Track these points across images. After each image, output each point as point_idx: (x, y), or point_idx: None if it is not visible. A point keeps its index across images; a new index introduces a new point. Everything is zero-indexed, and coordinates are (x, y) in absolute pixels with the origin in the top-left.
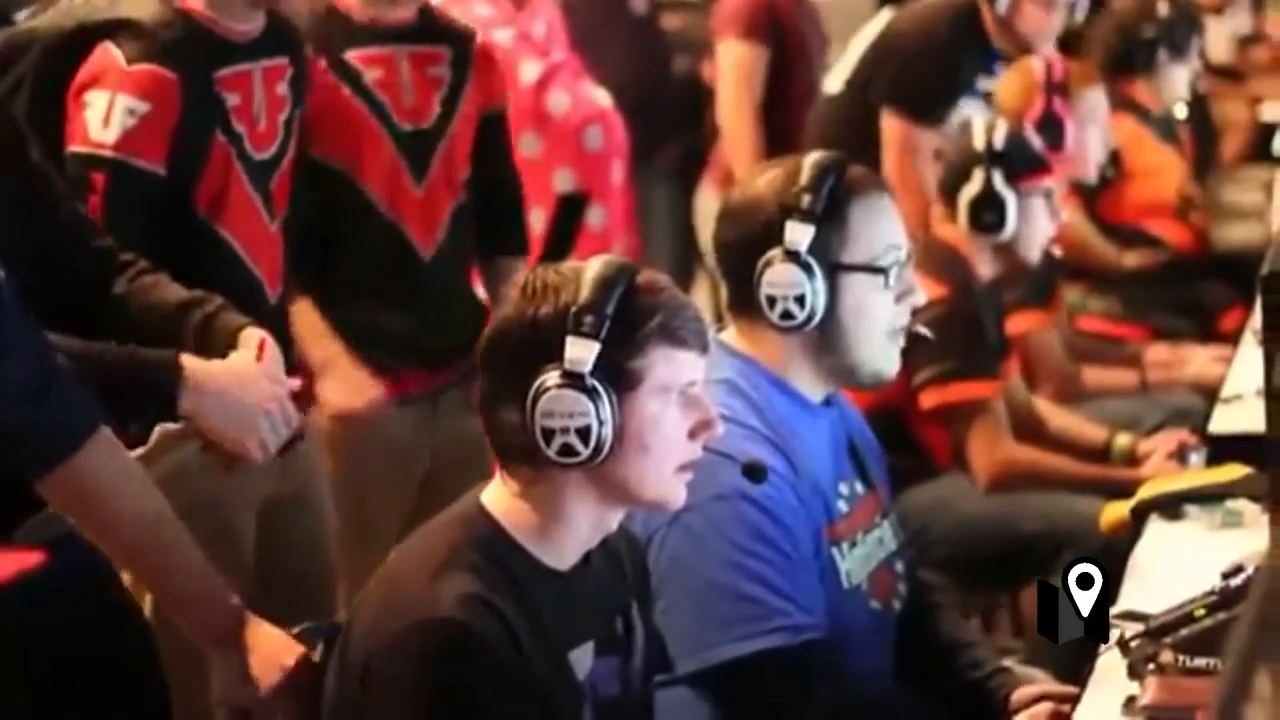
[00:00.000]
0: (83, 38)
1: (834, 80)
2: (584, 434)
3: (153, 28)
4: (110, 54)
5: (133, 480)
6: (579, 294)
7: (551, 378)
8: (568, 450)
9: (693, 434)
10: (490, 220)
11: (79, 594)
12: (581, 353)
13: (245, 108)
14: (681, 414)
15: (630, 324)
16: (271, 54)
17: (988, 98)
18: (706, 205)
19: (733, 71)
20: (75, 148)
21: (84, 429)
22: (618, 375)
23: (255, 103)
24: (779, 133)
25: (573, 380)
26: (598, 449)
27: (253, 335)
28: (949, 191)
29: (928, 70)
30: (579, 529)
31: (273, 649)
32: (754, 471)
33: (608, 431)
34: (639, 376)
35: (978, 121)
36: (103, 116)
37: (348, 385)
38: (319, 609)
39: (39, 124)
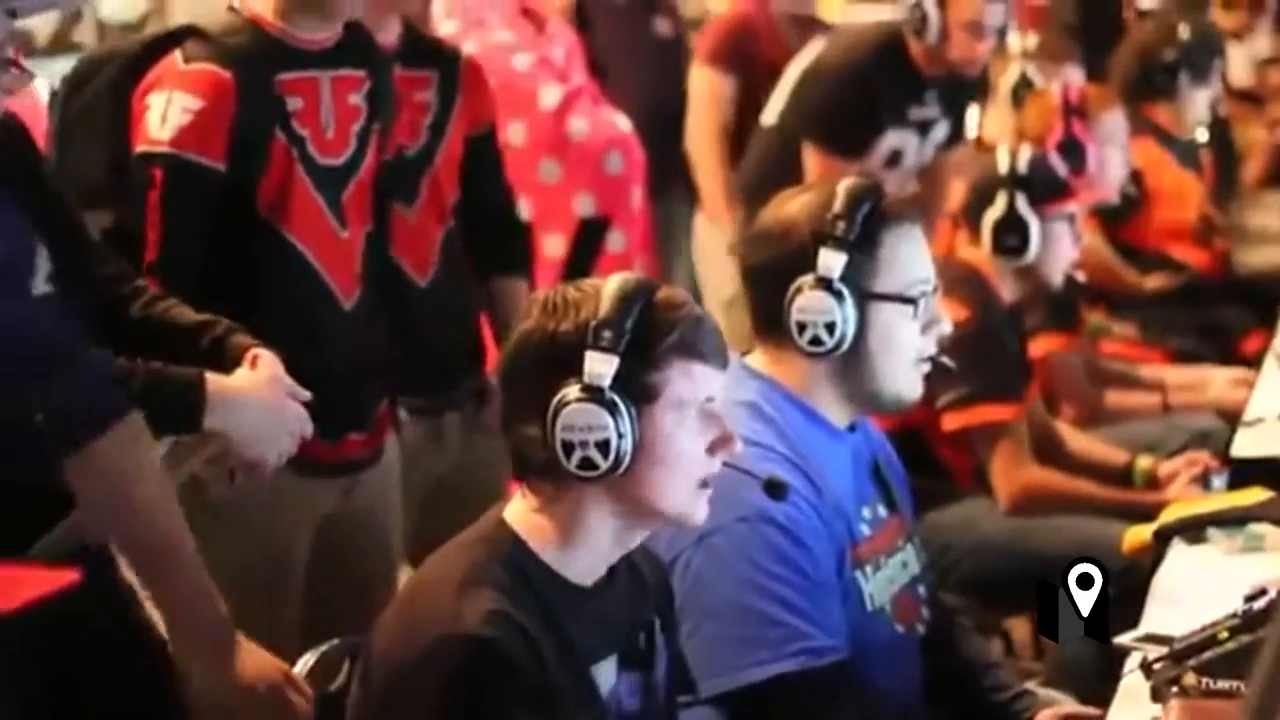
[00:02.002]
0: (156, 50)
1: (769, 113)
2: (603, 447)
3: (217, 34)
4: (173, 58)
5: (154, 472)
6: (599, 309)
7: (571, 392)
8: (588, 464)
9: (711, 449)
10: (487, 240)
11: (99, 612)
12: (601, 367)
13: (310, 112)
14: (700, 429)
15: (649, 338)
16: (344, 65)
17: (923, 127)
18: (701, 234)
19: (699, 97)
20: (138, 147)
21: (108, 415)
22: (636, 389)
23: (323, 109)
24: None
25: (592, 394)
26: (617, 462)
27: (263, 356)
28: (972, 215)
29: (847, 102)
30: (600, 544)
31: (257, 672)
32: (775, 488)
33: (627, 445)
34: (657, 390)
35: (1002, 146)
36: (161, 115)
37: None
38: (369, 626)
39: (116, 135)
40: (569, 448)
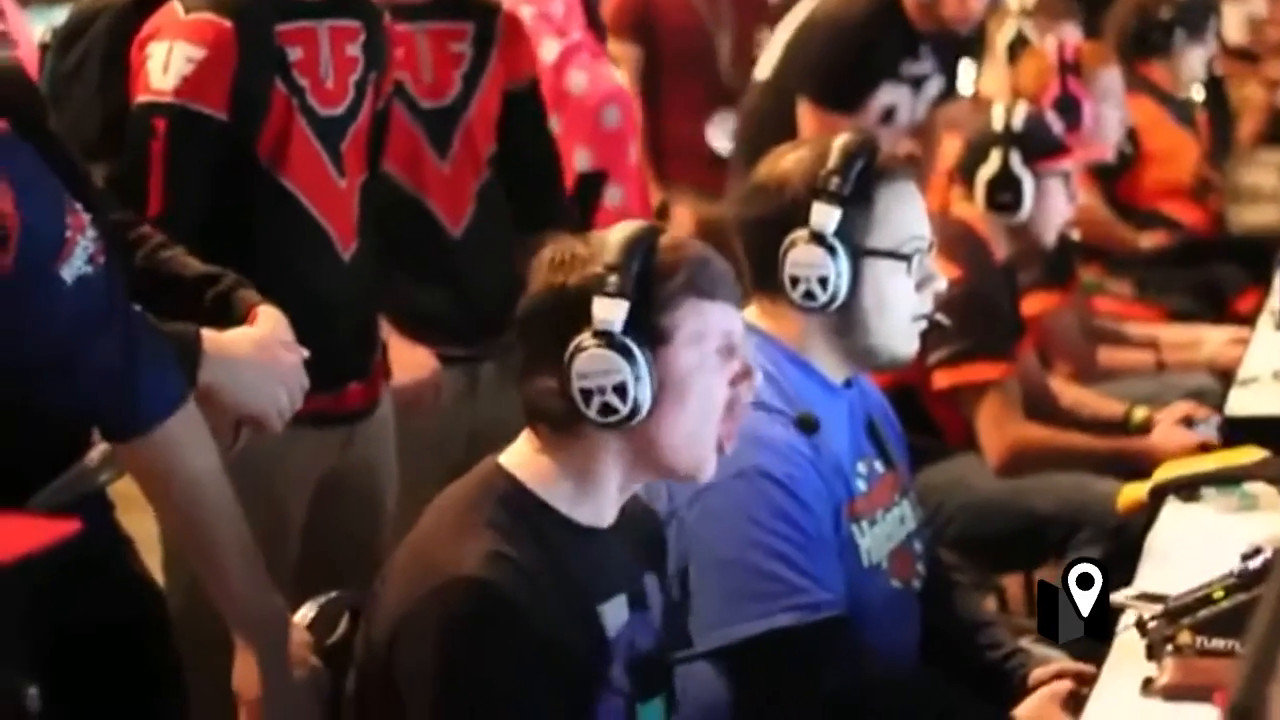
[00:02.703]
0: (148, 3)
1: (762, 67)
2: (621, 392)
3: None
4: (171, 8)
5: (209, 453)
6: (604, 257)
7: (585, 340)
8: (607, 409)
9: (732, 383)
10: (526, 197)
11: (95, 561)
12: (611, 312)
13: (309, 62)
14: (719, 364)
15: (656, 281)
16: (340, 15)
17: (916, 83)
18: None
19: None
20: (139, 98)
21: (169, 402)
22: (649, 332)
23: (321, 59)
24: (678, 131)
25: (605, 339)
26: (636, 407)
27: (268, 312)
28: (967, 171)
29: (842, 58)
30: (611, 487)
31: (300, 652)
32: (806, 423)
33: (645, 388)
34: (669, 332)
35: (998, 103)
36: (162, 65)
37: (406, 359)
38: (364, 578)
39: (111, 88)
40: (587, 395)
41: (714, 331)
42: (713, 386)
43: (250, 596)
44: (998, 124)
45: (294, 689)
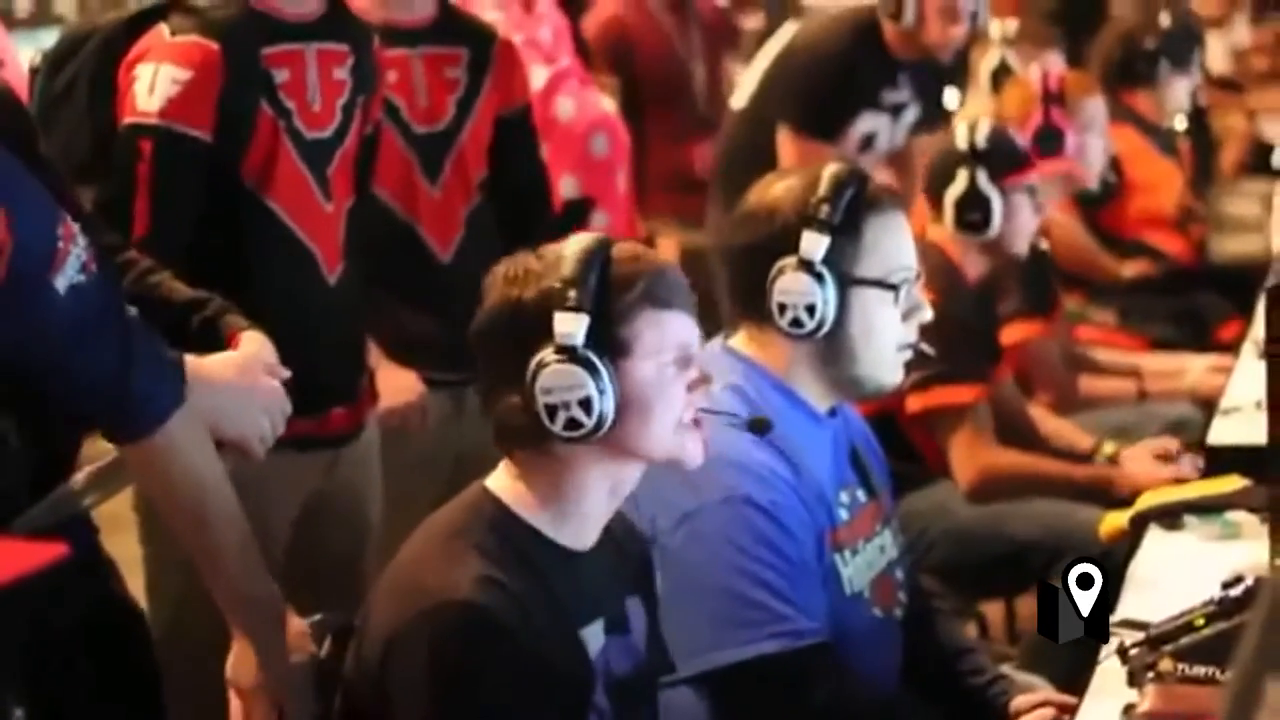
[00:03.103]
0: (140, 24)
1: (739, 96)
2: (586, 406)
3: (203, 7)
4: (158, 31)
5: (210, 452)
6: (561, 271)
7: (547, 355)
8: (573, 424)
9: (689, 389)
10: (515, 222)
11: (75, 582)
12: (570, 326)
13: (295, 85)
14: (677, 374)
15: (614, 293)
16: (328, 39)
17: (895, 110)
18: None
19: None
20: (125, 120)
21: (169, 404)
22: (609, 345)
23: (308, 82)
24: (659, 160)
25: (567, 354)
26: (601, 420)
27: (251, 337)
28: (934, 192)
29: (822, 85)
30: (596, 504)
31: (297, 643)
32: (759, 425)
33: (609, 401)
34: (629, 343)
35: (961, 122)
36: (148, 87)
37: (393, 383)
38: (347, 601)
39: (99, 110)
40: (552, 410)
41: (671, 343)
42: (671, 397)
43: (249, 578)
44: (962, 143)
45: (292, 670)
